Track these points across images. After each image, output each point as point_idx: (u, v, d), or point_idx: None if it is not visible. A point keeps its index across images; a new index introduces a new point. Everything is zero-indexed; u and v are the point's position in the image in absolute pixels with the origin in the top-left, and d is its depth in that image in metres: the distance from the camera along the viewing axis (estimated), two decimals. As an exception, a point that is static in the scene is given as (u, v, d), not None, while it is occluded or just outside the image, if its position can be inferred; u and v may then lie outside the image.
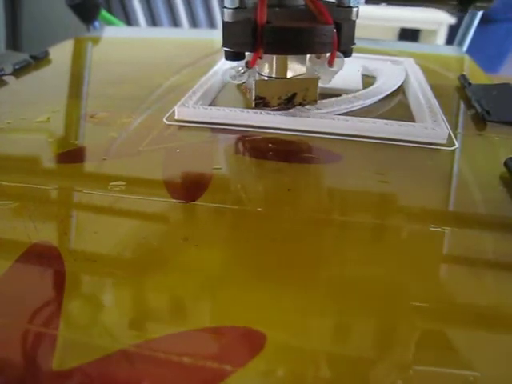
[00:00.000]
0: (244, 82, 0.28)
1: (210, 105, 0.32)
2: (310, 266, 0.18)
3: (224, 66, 0.38)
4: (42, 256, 0.18)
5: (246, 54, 0.26)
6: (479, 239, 0.19)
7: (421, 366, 0.14)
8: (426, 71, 0.40)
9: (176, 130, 0.29)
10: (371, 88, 0.34)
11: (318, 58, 0.26)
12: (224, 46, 0.25)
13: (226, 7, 0.24)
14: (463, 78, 0.37)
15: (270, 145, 0.27)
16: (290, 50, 0.24)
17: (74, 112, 0.32)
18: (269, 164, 0.25)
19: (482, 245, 0.19)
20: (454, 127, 0.29)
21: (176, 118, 0.30)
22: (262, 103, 0.27)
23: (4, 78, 0.38)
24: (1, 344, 0.14)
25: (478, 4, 0.34)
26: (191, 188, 0.23)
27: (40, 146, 0.27)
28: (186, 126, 0.29)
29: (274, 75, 0.26)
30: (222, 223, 0.20)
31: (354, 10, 0.25)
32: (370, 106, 0.32)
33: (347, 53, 0.26)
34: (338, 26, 0.24)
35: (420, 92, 0.33)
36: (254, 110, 0.29)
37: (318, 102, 0.31)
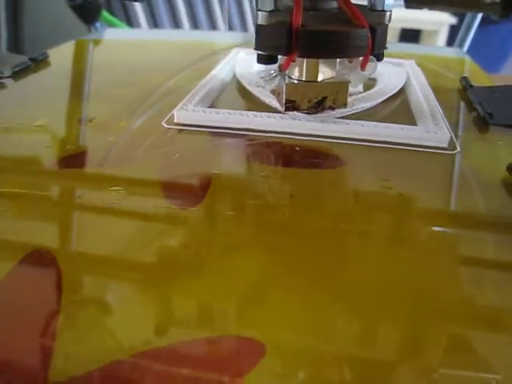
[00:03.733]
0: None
1: (209, 107, 0.32)
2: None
3: (223, 69, 0.38)
4: (40, 261, 0.17)
5: (279, 57, 0.26)
6: (483, 243, 0.19)
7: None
8: (428, 73, 0.39)
9: (175, 134, 0.28)
10: (372, 91, 0.33)
11: (350, 61, 0.26)
12: (257, 49, 0.25)
13: (260, 10, 0.24)
14: (465, 80, 0.37)
15: (270, 149, 0.26)
16: (325, 54, 0.24)
17: (73, 116, 0.32)
18: (270, 169, 0.25)
19: (485, 249, 0.19)
20: (456, 130, 0.29)
21: (175, 121, 0.29)
22: (291, 107, 0.27)
23: (2, 80, 0.37)
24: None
25: None
26: (190, 193, 0.22)
27: (37, 150, 0.26)
28: (185, 129, 0.29)
29: (303, 78, 0.26)
30: (221, 230, 0.20)
31: (387, 13, 0.25)
32: (370, 108, 0.32)
33: (379, 57, 0.26)
34: (373, 30, 0.24)
35: (421, 94, 0.33)
36: (254, 113, 0.29)
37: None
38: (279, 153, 0.26)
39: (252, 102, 0.33)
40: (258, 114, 0.29)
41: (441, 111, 0.30)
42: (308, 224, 0.20)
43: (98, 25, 0.66)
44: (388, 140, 0.27)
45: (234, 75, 0.38)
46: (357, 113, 0.31)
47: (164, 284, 0.17)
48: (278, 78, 0.26)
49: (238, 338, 0.14)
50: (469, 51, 0.59)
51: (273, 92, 0.29)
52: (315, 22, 0.24)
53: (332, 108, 0.27)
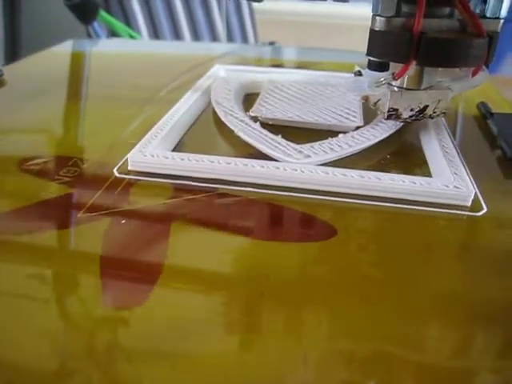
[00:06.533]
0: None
1: (175, 148, 0.26)
2: None
3: (196, 93, 0.32)
4: None
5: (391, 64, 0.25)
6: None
7: None
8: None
9: (129, 186, 0.23)
10: (373, 124, 0.27)
11: (460, 69, 0.25)
12: (369, 55, 0.24)
13: (379, 15, 0.23)
14: (484, 106, 0.31)
15: (242, 212, 0.21)
16: (446, 63, 0.24)
17: (13, 156, 0.26)
18: (239, 243, 0.19)
19: None
20: (479, 179, 0.23)
21: (129, 168, 0.24)
22: (394, 115, 0.26)
23: None
24: None
25: None
26: (135, 285, 0.17)
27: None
28: (141, 179, 0.23)
29: (404, 86, 0.25)
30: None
31: (501, 21, 0.24)
32: (371, 147, 0.26)
33: (488, 65, 0.25)
34: (490, 38, 0.23)
35: (433, 128, 0.27)
36: (227, 159, 0.23)
37: (309, 145, 0.25)
38: (254, 218, 0.20)
39: (228, 138, 0.27)
40: (232, 160, 0.23)
41: (459, 153, 0.24)
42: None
43: (95, 24, 0.65)
44: (394, 196, 0.21)
45: (210, 101, 0.32)
46: (352, 155, 0.25)
47: None
48: (386, 85, 0.25)
49: None
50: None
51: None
52: (431, 30, 0.23)
53: (432, 117, 0.26)
